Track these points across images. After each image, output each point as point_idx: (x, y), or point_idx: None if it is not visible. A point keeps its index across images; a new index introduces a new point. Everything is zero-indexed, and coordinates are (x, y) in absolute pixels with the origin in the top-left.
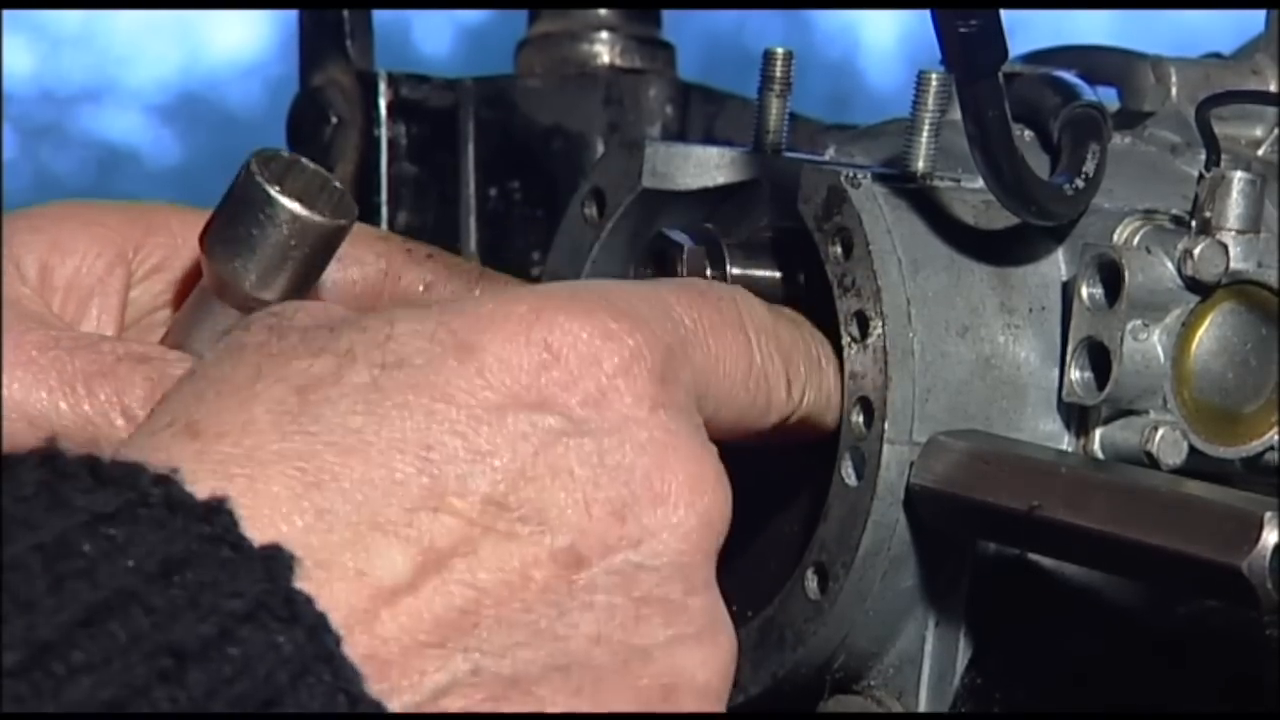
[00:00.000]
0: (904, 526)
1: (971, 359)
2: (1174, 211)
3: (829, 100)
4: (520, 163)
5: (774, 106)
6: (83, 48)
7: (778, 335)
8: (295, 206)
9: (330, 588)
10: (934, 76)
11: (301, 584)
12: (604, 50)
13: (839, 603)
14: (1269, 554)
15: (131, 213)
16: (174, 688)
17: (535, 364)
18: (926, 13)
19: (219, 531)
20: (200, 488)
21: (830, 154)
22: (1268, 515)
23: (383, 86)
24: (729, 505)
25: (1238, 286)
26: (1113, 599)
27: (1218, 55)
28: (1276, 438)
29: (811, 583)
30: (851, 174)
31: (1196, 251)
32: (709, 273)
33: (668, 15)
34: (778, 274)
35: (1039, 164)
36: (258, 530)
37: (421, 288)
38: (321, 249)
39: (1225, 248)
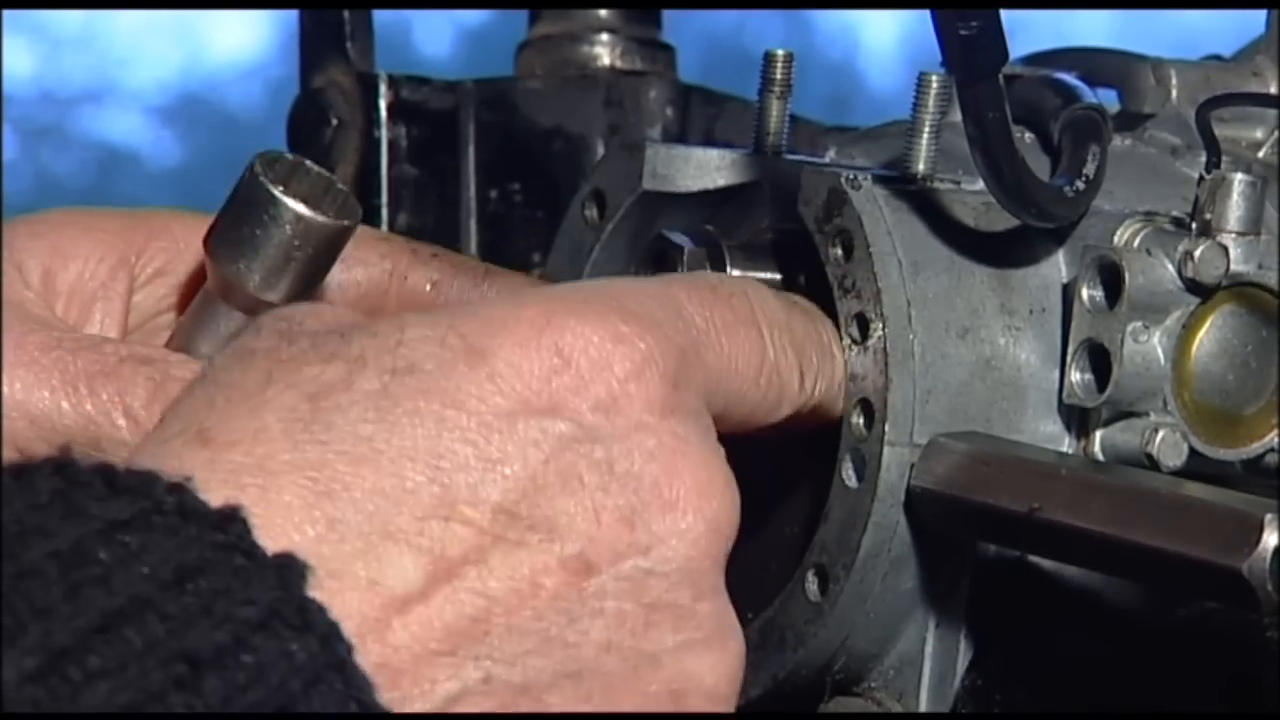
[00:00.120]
0: (904, 528)
1: (972, 361)
2: (1174, 213)
3: (829, 102)
4: (521, 164)
5: (774, 108)
6: (83, 49)
7: (791, 328)
8: (299, 207)
9: (342, 597)
10: (934, 78)
11: (314, 593)
12: (604, 52)
13: (839, 604)
14: (1269, 556)
15: (133, 218)
16: (189, 694)
17: (546, 369)
18: (927, 14)
19: (232, 540)
20: (213, 496)
21: (831, 156)
22: (1268, 517)
23: (383, 88)
24: (737, 510)
25: (1238, 288)
26: (1113, 600)
27: (1218, 57)
28: (1277, 440)
29: (812, 584)
30: (852, 176)
31: (1197, 253)
32: None
33: (668, 16)
34: (778, 276)
35: (1039, 166)
36: (270, 539)
37: (428, 287)
38: (326, 250)
39: (1225, 250)
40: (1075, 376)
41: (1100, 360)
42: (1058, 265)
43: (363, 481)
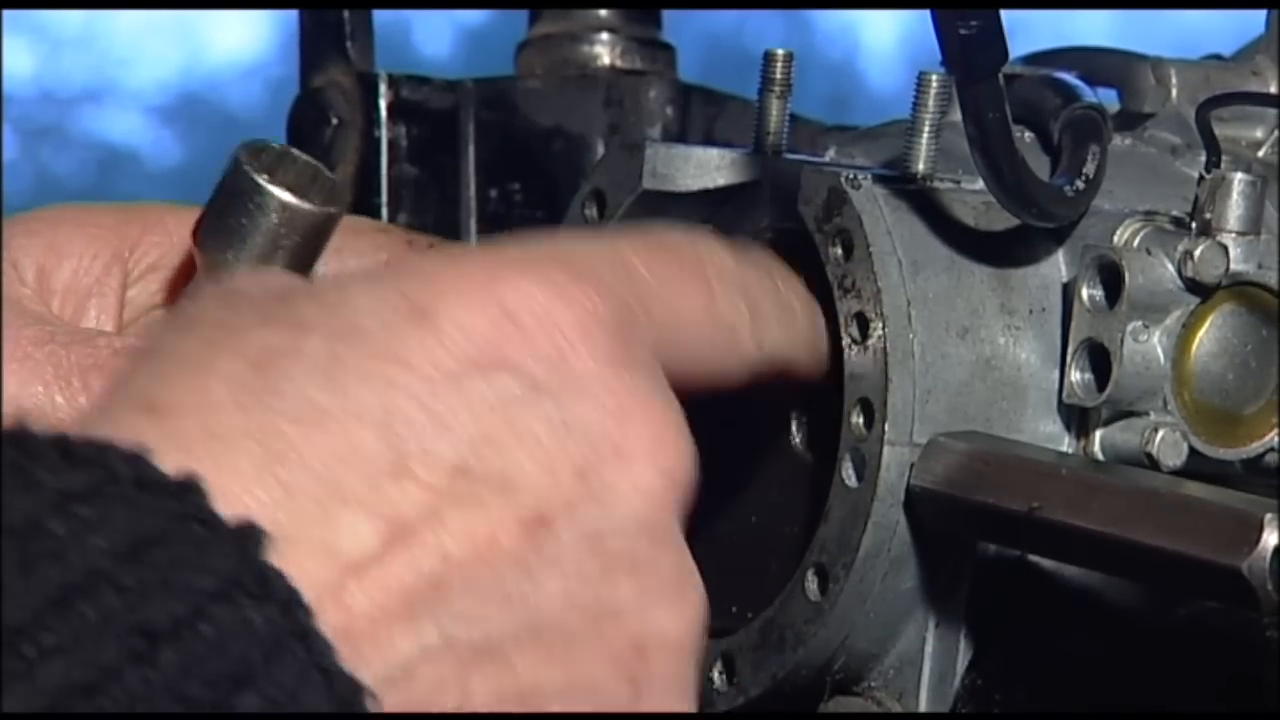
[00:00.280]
0: (904, 528)
1: (972, 360)
2: (1174, 213)
3: (829, 101)
4: (521, 164)
5: (774, 108)
6: (83, 49)
7: (743, 281)
8: (285, 195)
9: (298, 562)
10: (934, 78)
11: (272, 560)
12: (604, 52)
13: (839, 604)
14: (1269, 555)
15: (126, 213)
16: (145, 668)
17: (492, 326)
18: (927, 14)
19: (190, 509)
20: (166, 465)
21: (831, 155)
22: (1268, 517)
23: (383, 88)
24: (692, 461)
25: (1238, 288)
26: (1113, 600)
27: (1218, 56)
28: (1277, 439)
29: (812, 584)
30: (852, 175)
31: (1197, 253)
32: None
33: (668, 16)
34: None
35: (1039, 165)
36: (225, 507)
37: None
38: (313, 238)
39: (1225, 249)
40: (1075, 376)
41: (1100, 360)
42: (1058, 265)
43: (314, 445)
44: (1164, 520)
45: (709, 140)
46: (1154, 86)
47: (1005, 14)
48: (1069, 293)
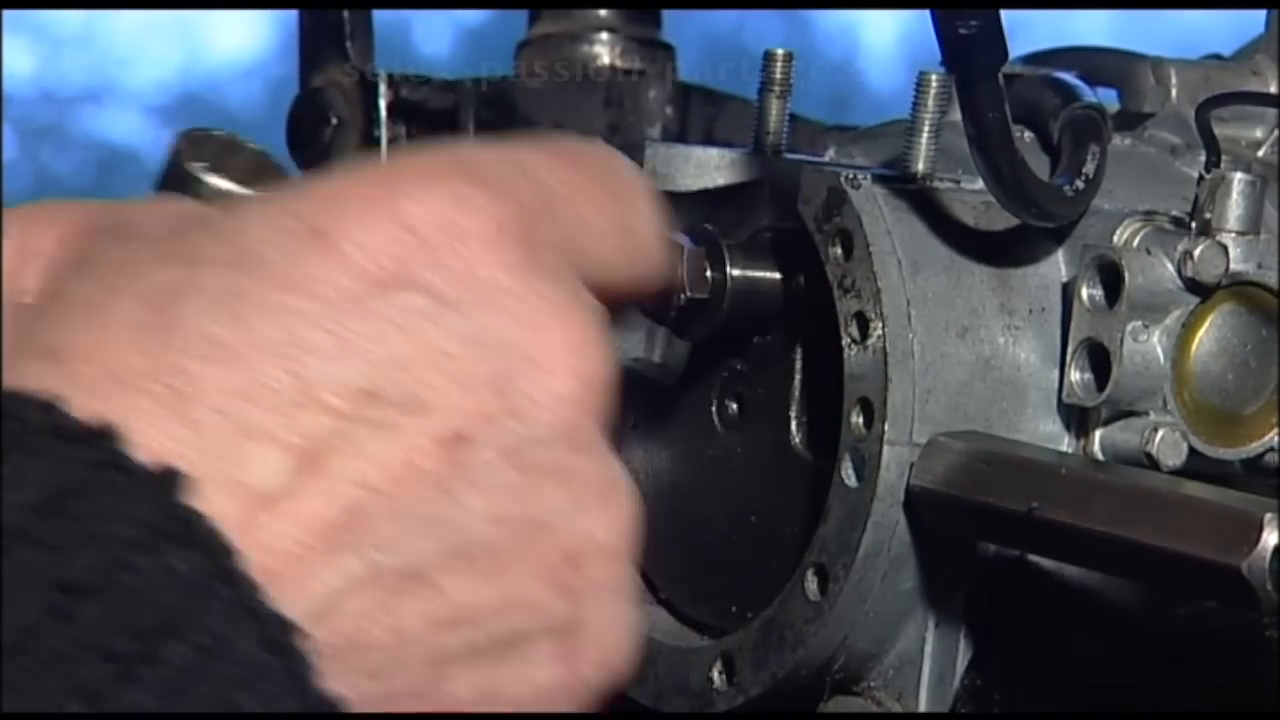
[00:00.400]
0: (904, 527)
1: (971, 360)
2: (1174, 213)
3: (829, 101)
4: None
5: (774, 108)
6: (83, 48)
7: (649, 190)
8: (223, 184)
9: (210, 500)
10: (934, 77)
11: (192, 503)
12: (604, 51)
13: (839, 604)
14: (1269, 555)
15: (99, 210)
16: (63, 623)
17: (392, 242)
18: (926, 13)
19: (106, 456)
20: (77, 412)
21: (830, 155)
22: (1268, 516)
23: (383, 87)
24: (609, 365)
25: (1238, 288)
26: (1112, 600)
27: (1218, 56)
28: (1276, 439)
29: (811, 584)
30: (851, 175)
31: (1196, 253)
32: (709, 274)
33: (668, 16)
34: (778, 275)
35: (1039, 165)
36: (138, 452)
37: None
38: None
39: (1225, 249)
40: (1075, 376)
41: (1100, 359)
42: (1057, 264)
43: (218, 381)
44: (1164, 520)
45: (709, 140)
46: (1154, 86)
47: (1005, 14)
48: (1069, 292)
